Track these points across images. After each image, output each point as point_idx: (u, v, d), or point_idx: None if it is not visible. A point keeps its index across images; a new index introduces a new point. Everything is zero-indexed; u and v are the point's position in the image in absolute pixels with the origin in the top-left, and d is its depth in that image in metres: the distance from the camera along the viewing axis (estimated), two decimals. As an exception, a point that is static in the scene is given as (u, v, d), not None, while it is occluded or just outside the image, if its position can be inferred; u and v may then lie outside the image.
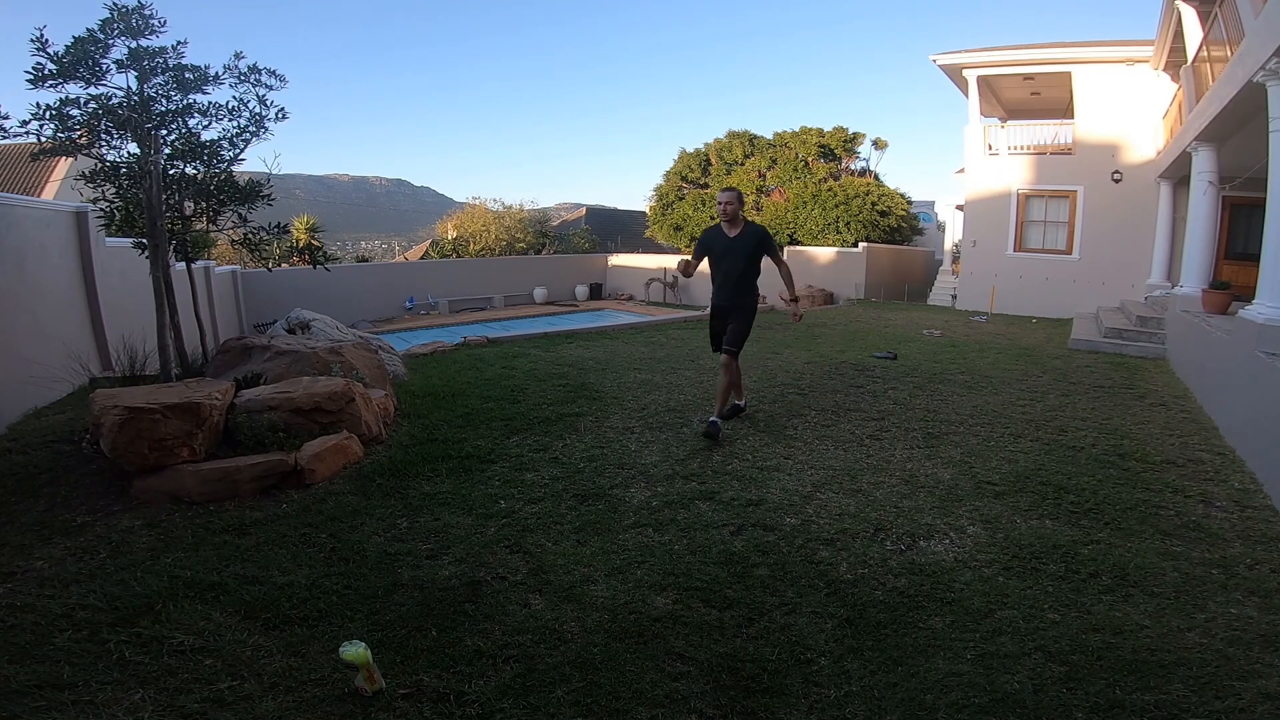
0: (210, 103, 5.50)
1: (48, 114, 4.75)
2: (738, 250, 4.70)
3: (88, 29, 4.87)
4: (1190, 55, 9.09)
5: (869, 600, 2.67)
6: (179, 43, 5.31)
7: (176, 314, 5.41)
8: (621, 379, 6.47)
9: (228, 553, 2.96)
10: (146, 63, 5.15)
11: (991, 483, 3.89)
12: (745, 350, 8.21)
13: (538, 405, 5.45)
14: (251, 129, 5.66)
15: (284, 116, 5.73)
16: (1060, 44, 13.34)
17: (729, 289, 4.80)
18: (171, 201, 5.51)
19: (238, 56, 5.44)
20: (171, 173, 5.52)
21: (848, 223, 17.07)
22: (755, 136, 19.71)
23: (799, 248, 17.39)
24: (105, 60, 4.96)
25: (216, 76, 5.45)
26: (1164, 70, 11.80)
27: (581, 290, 19.76)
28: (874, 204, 17.15)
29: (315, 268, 6.76)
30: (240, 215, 5.95)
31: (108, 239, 6.62)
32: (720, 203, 4.70)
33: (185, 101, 5.43)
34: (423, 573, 2.83)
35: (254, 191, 5.88)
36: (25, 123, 4.65)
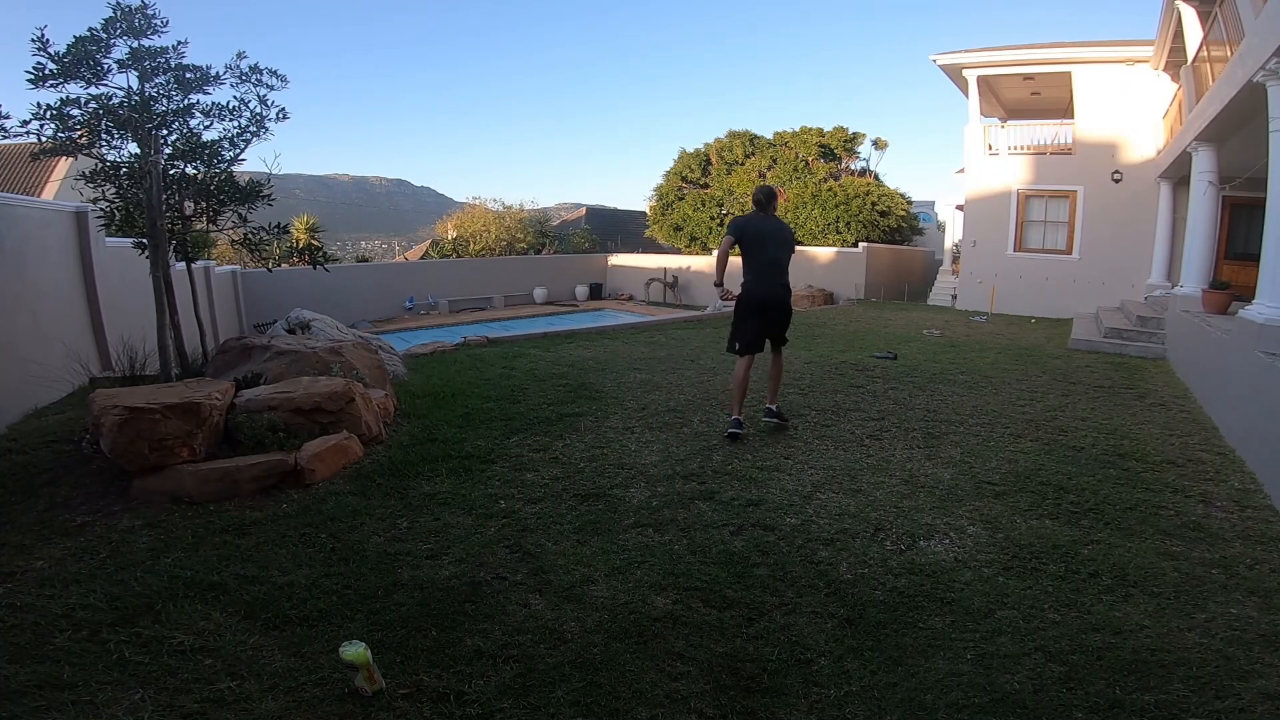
0: (211, 103, 5.51)
1: (48, 114, 4.75)
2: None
3: (89, 28, 4.88)
4: (1190, 55, 9.09)
5: (869, 600, 2.67)
6: (180, 42, 5.33)
7: (176, 314, 5.41)
8: (621, 379, 6.47)
9: (228, 553, 2.96)
10: (148, 62, 5.16)
11: (991, 483, 3.89)
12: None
13: (538, 405, 5.45)
14: (252, 129, 5.67)
15: (285, 116, 5.73)
16: (1060, 44, 13.34)
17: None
18: (171, 201, 5.51)
19: (239, 56, 5.45)
20: (172, 173, 5.53)
21: (848, 223, 17.07)
22: (755, 136, 19.70)
23: (799, 248, 17.28)
24: (106, 60, 4.97)
25: (218, 76, 5.45)
26: (1164, 70, 11.80)
27: (581, 290, 19.76)
28: (874, 204, 17.14)
29: (315, 268, 6.75)
30: (240, 215, 5.95)
31: (108, 239, 6.62)
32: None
33: (186, 101, 5.43)
34: (423, 573, 2.83)
35: (254, 191, 5.88)
36: (25, 123, 4.66)
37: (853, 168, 18.76)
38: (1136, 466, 4.22)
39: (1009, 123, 15.20)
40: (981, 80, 13.98)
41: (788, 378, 6.62)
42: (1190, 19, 9.30)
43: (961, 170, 15.06)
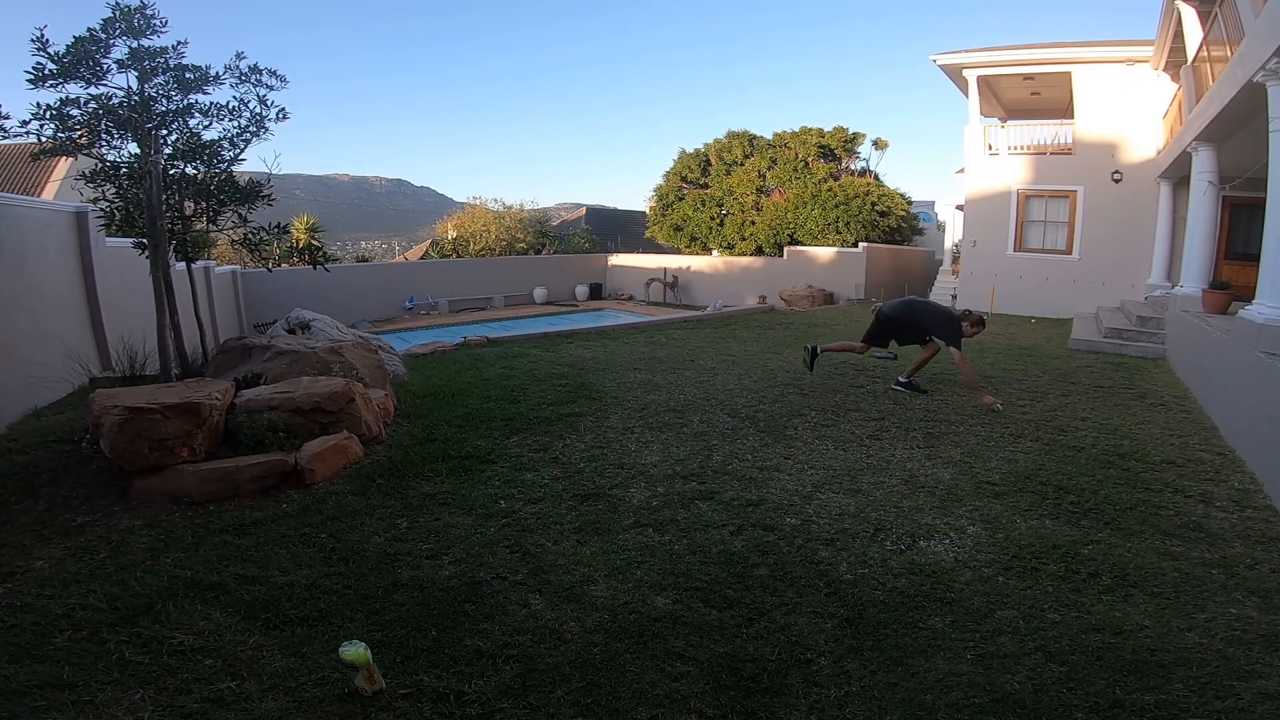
0: (211, 103, 5.51)
1: (48, 114, 4.75)
2: None
3: (89, 29, 4.87)
4: (1190, 55, 9.09)
5: (869, 600, 2.67)
6: (179, 43, 5.33)
7: (176, 314, 5.41)
8: (621, 379, 6.47)
9: (228, 553, 2.97)
10: (147, 62, 5.16)
11: (991, 483, 3.89)
12: (747, 350, 8.26)
13: (538, 405, 5.45)
14: (252, 129, 5.67)
15: (284, 117, 5.73)
16: (1060, 44, 13.33)
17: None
18: (171, 201, 5.51)
19: (239, 57, 5.45)
20: (172, 173, 5.53)
21: (847, 223, 17.06)
22: (755, 136, 19.68)
23: (799, 248, 17.39)
24: (106, 60, 4.96)
25: (217, 76, 5.45)
26: (1164, 70, 11.79)
27: (581, 290, 19.75)
28: (874, 204, 17.13)
29: (315, 268, 6.75)
30: (240, 215, 5.95)
31: (108, 239, 6.62)
32: None
33: (186, 101, 5.43)
34: (423, 573, 2.84)
35: (254, 191, 5.88)
36: (25, 123, 4.66)
37: (853, 168, 18.74)
38: (1136, 466, 4.22)
39: (1009, 123, 15.19)
40: (981, 80, 13.97)
41: (787, 377, 6.63)
42: (1190, 19, 9.30)
43: (961, 170, 15.05)
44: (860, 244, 16.58)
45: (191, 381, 4.31)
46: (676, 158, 20.98)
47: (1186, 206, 9.29)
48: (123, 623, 2.42)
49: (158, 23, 5.12)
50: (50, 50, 4.66)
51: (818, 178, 17.93)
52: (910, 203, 18.66)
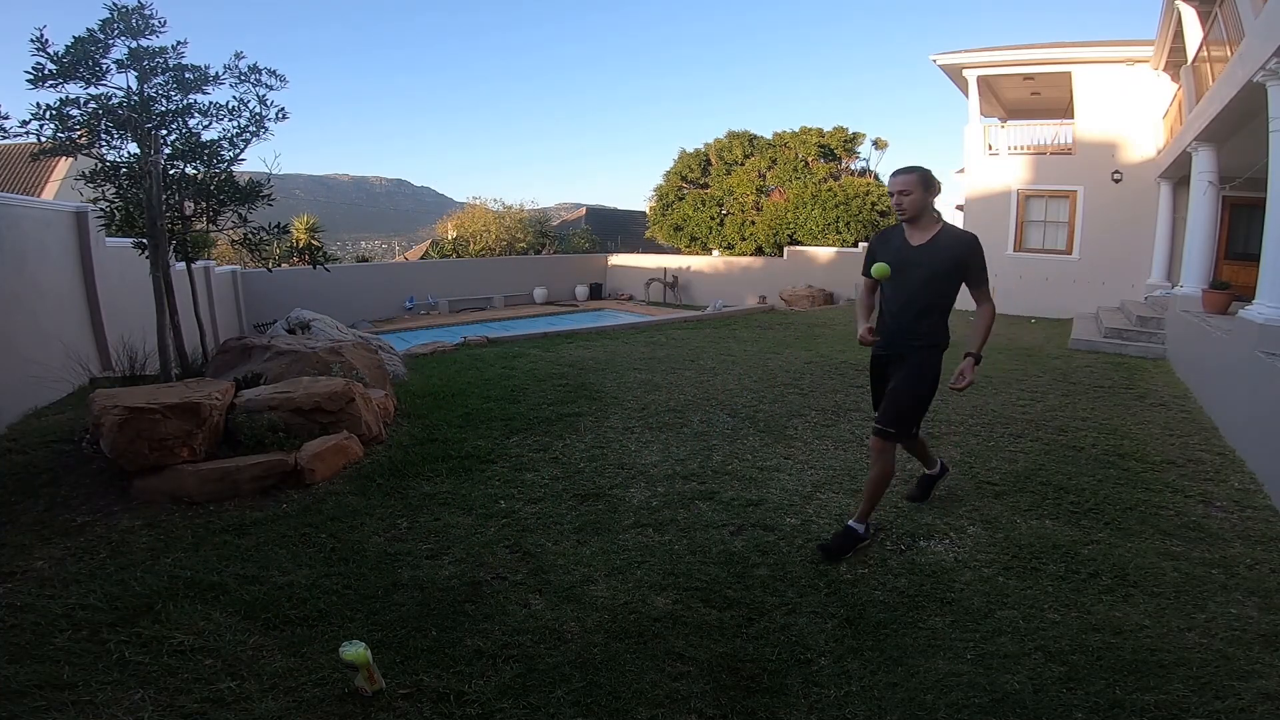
0: (210, 103, 5.51)
1: (48, 114, 4.75)
2: (921, 265, 3.07)
3: (88, 29, 4.88)
4: (1190, 55, 9.09)
5: (869, 600, 2.67)
6: (179, 43, 5.33)
7: (176, 314, 5.41)
8: (621, 379, 6.47)
9: (228, 553, 2.96)
10: (146, 63, 5.16)
11: (991, 483, 3.89)
12: (747, 350, 8.23)
13: (538, 405, 5.45)
14: (251, 129, 5.67)
15: (284, 116, 5.73)
16: (1060, 44, 13.33)
17: (897, 322, 3.13)
18: (171, 201, 5.51)
19: (238, 56, 5.45)
20: (171, 173, 5.53)
21: (848, 223, 17.07)
22: (755, 136, 19.68)
23: (799, 248, 17.39)
24: (105, 60, 4.97)
25: (217, 76, 5.45)
26: (1164, 70, 11.79)
27: (581, 290, 19.75)
28: (874, 204, 17.13)
29: (315, 268, 6.75)
30: (240, 215, 5.95)
31: (108, 239, 6.62)
32: (892, 191, 3.11)
33: (185, 101, 5.43)
34: (423, 573, 2.83)
35: (254, 191, 5.88)
36: (25, 123, 4.66)
37: (853, 168, 18.74)
38: (1136, 466, 4.22)
39: (1009, 123, 15.19)
40: (981, 80, 13.97)
41: (787, 377, 6.62)
42: (1190, 19, 9.29)
43: (961, 170, 15.05)
44: (860, 244, 16.58)
45: (191, 381, 4.31)
46: (676, 157, 20.98)
47: (1186, 206, 9.29)
48: (123, 623, 2.42)
49: (156, 23, 5.12)
50: (50, 50, 4.66)
51: (818, 178, 17.93)
52: (910, 203, 18.63)
